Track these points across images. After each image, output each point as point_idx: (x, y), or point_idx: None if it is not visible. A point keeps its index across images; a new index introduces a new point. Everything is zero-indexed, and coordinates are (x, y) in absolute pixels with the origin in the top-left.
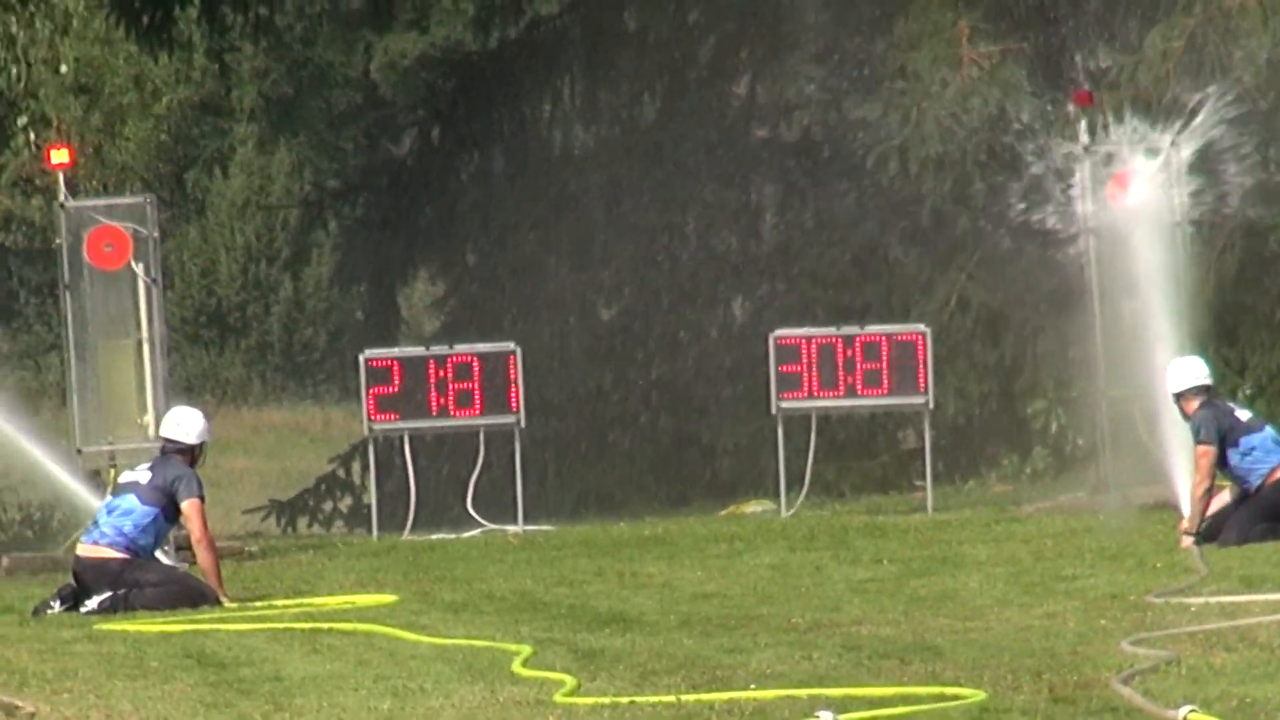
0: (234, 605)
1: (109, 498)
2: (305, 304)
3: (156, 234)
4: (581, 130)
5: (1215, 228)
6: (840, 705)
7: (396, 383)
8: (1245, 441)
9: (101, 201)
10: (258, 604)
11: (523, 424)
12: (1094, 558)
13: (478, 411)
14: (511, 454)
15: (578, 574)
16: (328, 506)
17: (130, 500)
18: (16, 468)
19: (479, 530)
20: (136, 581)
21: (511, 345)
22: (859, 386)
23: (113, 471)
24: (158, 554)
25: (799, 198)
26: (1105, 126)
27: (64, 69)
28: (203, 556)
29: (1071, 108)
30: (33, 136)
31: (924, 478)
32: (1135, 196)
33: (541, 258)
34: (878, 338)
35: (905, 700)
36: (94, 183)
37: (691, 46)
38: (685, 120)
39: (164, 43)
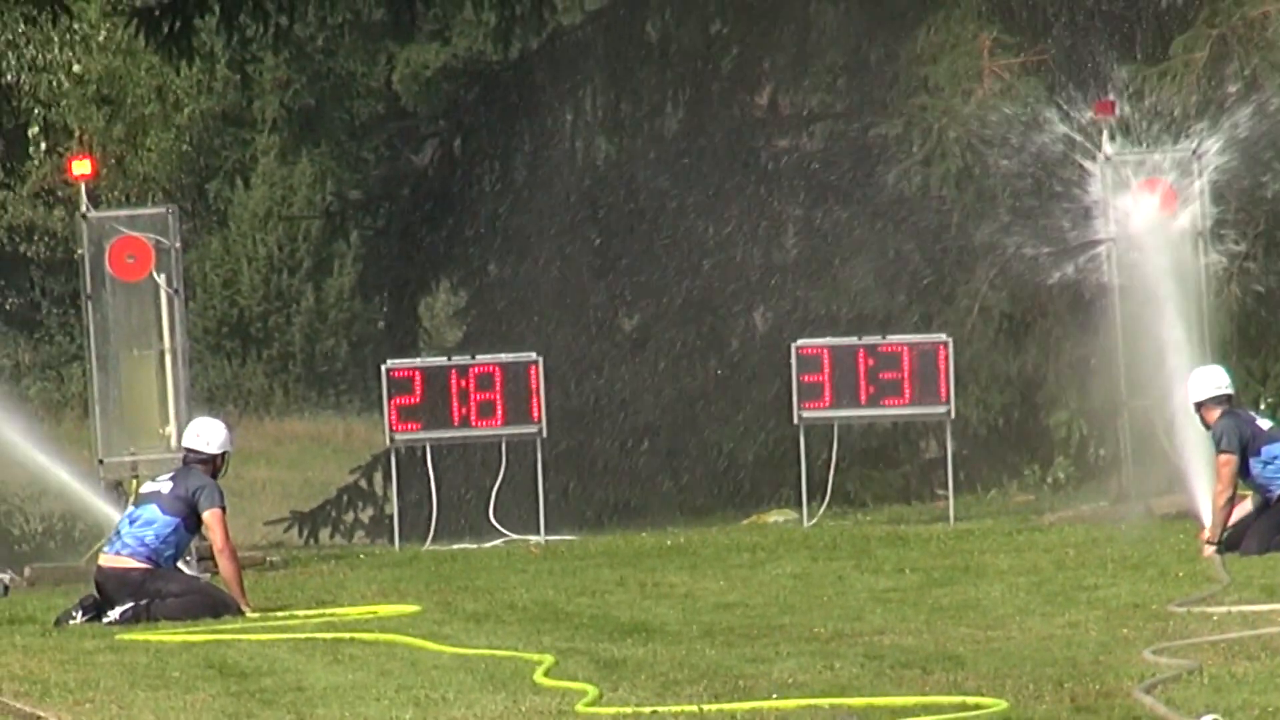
0: (256, 615)
1: (131, 508)
2: (327, 314)
3: (178, 245)
4: (603, 141)
5: (1237, 237)
6: (862, 715)
7: (418, 393)
8: (1267, 450)
9: (124, 212)
10: (280, 614)
11: (544, 434)
12: (1116, 567)
13: (499, 422)
14: (533, 464)
15: (600, 584)
16: (349, 517)
17: (152, 510)
18: (37, 480)
19: (501, 540)
20: (158, 592)
21: (533, 355)
22: (881, 396)
23: (134, 482)
24: (179, 564)
25: (821, 208)
26: (1127, 136)
27: (77, 72)
28: (225, 566)
29: (1093, 117)
30: (43, 145)
31: (946, 487)
32: (1157, 206)
33: (563, 268)
34: (899, 348)
35: (927, 710)
36: (116, 193)
37: (714, 57)
38: (707, 131)
39: (184, 52)
